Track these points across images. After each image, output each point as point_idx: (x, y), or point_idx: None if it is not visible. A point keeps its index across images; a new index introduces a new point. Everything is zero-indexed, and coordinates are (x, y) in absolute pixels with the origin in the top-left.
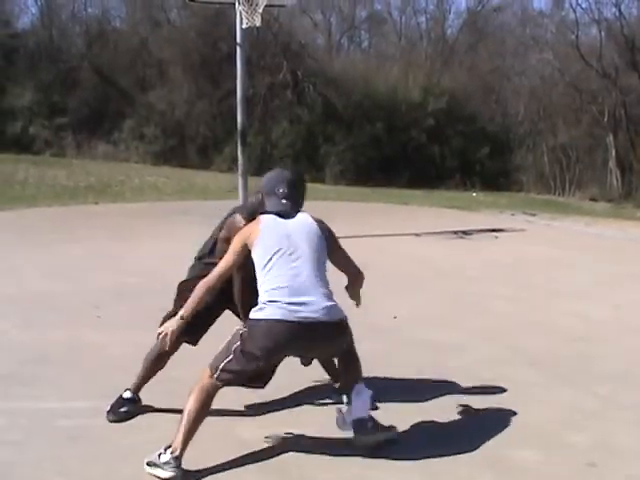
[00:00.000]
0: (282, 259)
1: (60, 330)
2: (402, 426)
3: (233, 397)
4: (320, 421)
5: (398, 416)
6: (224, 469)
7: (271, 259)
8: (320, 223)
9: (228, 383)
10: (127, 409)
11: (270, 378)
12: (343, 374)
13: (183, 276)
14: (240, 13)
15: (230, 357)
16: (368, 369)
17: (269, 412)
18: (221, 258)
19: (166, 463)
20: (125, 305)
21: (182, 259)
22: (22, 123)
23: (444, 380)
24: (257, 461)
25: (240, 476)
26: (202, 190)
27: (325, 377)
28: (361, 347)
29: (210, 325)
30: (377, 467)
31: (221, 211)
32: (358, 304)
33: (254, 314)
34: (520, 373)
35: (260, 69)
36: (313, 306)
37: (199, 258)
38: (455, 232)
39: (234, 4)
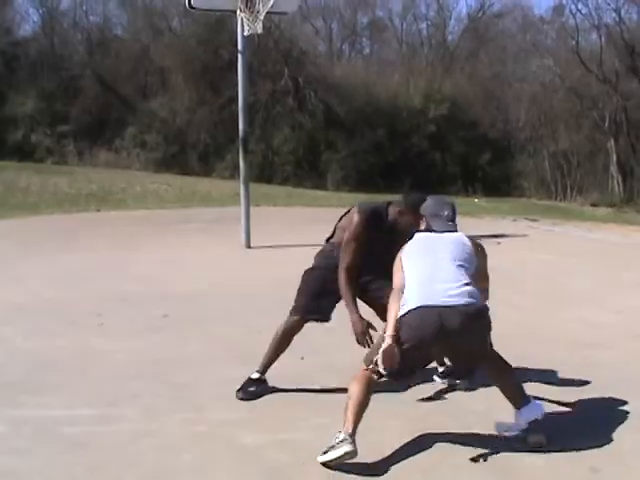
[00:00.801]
0: (422, 260)
1: (64, 338)
2: (401, 432)
3: (234, 401)
4: (322, 426)
5: (398, 422)
6: (225, 474)
7: (413, 263)
8: (474, 241)
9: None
10: (255, 389)
11: (414, 377)
12: (500, 385)
13: (184, 283)
14: (241, 20)
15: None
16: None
17: (270, 417)
18: (339, 243)
19: (342, 441)
20: (128, 312)
21: (184, 266)
22: (24, 131)
23: (444, 387)
24: (258, 467)
25: None
26: (204, 197)
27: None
28: (361, 355)
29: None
30: (379, 473)
31: (223, 218)
32: None
33: (402, 308)
34: (524, 380)
35: (261, 76)
36: (452, 292)
37: (327, 240)
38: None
39: (235, 11)
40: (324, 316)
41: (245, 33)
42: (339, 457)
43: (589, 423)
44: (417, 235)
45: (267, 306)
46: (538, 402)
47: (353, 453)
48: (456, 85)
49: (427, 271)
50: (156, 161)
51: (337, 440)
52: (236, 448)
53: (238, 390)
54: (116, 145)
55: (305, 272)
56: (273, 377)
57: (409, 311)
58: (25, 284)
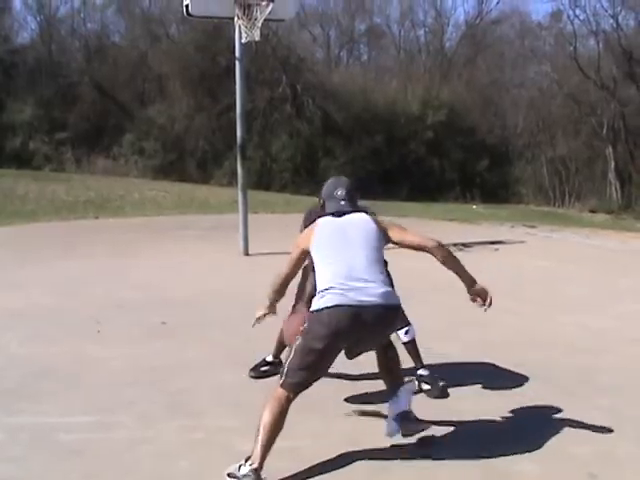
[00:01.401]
0: (336, 250)
1: (61, 345)
2: (398, 436)
3: (231, 408)
4: (318, 433)
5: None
6: None
7: (326, 252)
8: (374, 216)
9: (296, 387)
10: (267, 369)
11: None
12: (387, 369)
13: (182, 290)
14: (239, 27)
15: (291, 356)
16: (366, 380)
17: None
18: None
19: (245, 476)
20: (125, 319)
21: (182, 273)
22: (22, 138)
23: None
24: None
25: None
26: (202, 204)
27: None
28: (359, 359)
29: None
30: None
31: (221, 225)
32: (486, 301)
33: (313, 306)
34: (523, 385)
35: (259, 83)
36: (370, 290)
37: None
38: (455, 245)
39: (233, 19)
40: None
41: (243, 40)
42: None
43: (586, 428)
44: (319, 222)
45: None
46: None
47: None
48: (454, 91)
49: (340, 261)
50: (154, 168)
51: (241, 472)
52: (233, 455)
53: (252, 369)
54: (114, 152)
55: None
56: (271, 385)
57: (325, 307)
58: (23, 291)
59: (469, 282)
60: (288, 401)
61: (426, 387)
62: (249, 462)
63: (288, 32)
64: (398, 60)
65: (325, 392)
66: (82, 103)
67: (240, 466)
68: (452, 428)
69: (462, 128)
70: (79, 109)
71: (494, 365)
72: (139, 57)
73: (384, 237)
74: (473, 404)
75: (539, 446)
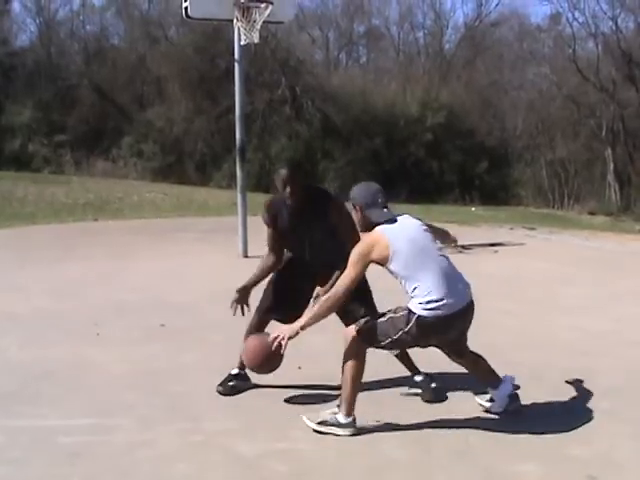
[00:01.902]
0: (423, 261)
1: (60, 347)
2: (398, 439)
3: (230, 411)
4: (320, 436)
5: (395, 428)
6: None
7: (416, 265)
8: (414, 216)
9: (374, 345)
10: (234, 384)
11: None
12: (477, 365)
13: (181, 293)
14: (238, 30)
15: (388, 341)
16: (365, 378)
17: (267, 427)
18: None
19: (347, 425)
20: (124, 322)
21: (181, 275)
22: (21, 141)
23: (446, 395)
24: (255, 477)
25: None
26: (201, 206)
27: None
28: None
29: (301, 306)
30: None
31: (220, 227)
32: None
33: (424, 312)
34: (522, 387)
35: (258, 85)
36: (464, 290)
37: None
38: (454, 247)
39: (232, 21)
40: (281, 315)
41: (242, 42)
42: (339, 435)
43: (585, 431)
44: (386, 232)
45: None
46: (508, 376)
47: (356, 434)
48: (453, 93)
49: (432, 271)
50: (153, 170)
51: (340, 420)
52: (233, 458)
53: (219, 385)
54: (113, 154)
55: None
56: (270, 386)
57: (437, 317)
58: (22, 293)
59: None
60: (365, 352)
61: (419, 390)
62: (343, 412)
63: (287, 34)
64: (397, 62)
65: (325, 394)
66: (81, 105)
67: (332, 414)
68: (451, 429)
69: (461, 130)
70: (78, 111)
71: (492, 365)
72: (138, 59)
73: (432, 235)
74: (472, 406)
75: (538, 448)
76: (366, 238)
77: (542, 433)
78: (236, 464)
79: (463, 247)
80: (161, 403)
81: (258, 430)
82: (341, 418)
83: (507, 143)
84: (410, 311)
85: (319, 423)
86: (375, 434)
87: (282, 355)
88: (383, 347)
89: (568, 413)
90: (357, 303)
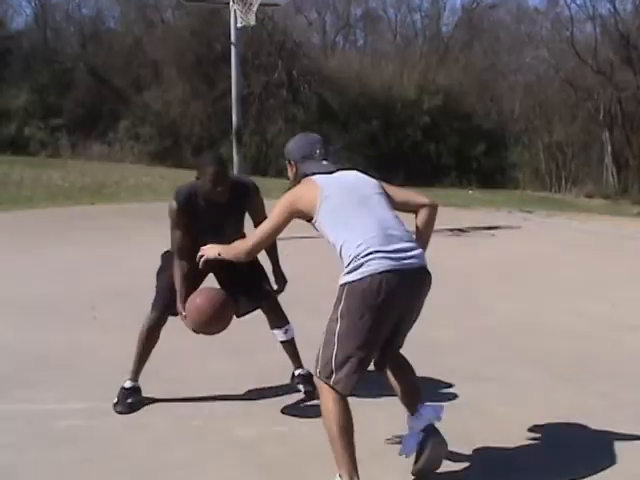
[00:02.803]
0: (358, 208)
1: (57, 332)
2: (398, 425)
3: (228, 395)
4: (317, 419)
5: (395, 414)
6: (220, 468)
7: (347, 212)
8: (366, 173)
9: (351, 379)
10: (132, 400)
11: (387, 362)
12: (401, 380)
13: None
14: (234, 12)
15: (335, 348)
16: None
17: (265, 411)
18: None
19: None
20: (121, 306)
21: None
22: (17, 124)
23: (442, 379)
24: (253, 460)
25: (236, 476)
26: None
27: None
28: None
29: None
30: (374, 467)
31: None
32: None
33: (351, 275)
34: (519, 372)
35: (255, 68)
36: (411, 252)
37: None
38: (451, 230)
39: (228, 3)
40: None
41: (238, 25)
42: None
43: (584, 415)
44: (318, 180)
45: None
46: (437, 404)
47: None
48: (450, 76)
49: (370, 223)
50: (150, 154)
51: None
52: (230, 442)
53: (115, 404)
54: (109, 138)
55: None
56: (267, 371)
57: (371, 275)
58: (18, 278)
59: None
60: (345, 396)
61: (303, 388)
62: (344, 478)
63: (284, 17)
64: (394, 45)
65: None
66: (77, 89)
67: None
68: (446, 415)
69: (459, 113)
70: (74, 95)
71: (491, 351)
72: (134, 42)
73: (385, 193)
74: (469, 390)
75: (536, 432)
76: (295, 187)
77: (541, 418)
78: (234, 448)
79: (460, 230)
80: (157, 387)
81: (255, 414)
82: None
83: (504, 126)
84: (340, 287)
85: None
86: (370, 418)
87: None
88: (341, 375)
89: (566, 397)
90: None
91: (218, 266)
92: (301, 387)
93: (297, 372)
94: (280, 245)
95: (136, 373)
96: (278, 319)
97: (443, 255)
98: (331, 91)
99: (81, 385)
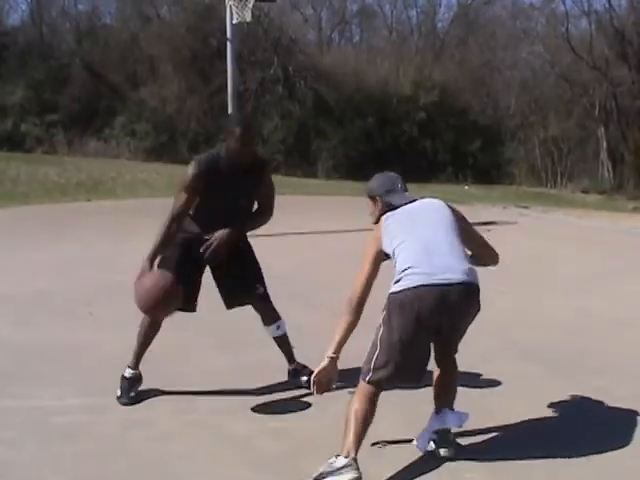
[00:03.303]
0: (409, 232)
1: (54, 328)
2: (396, 420)
3: (224, 390)
4: (313, 415)
5: (393, 409)
6: (216, 463)
7: (401, 235)
8: (445, 202)
9: (385, 382)
10: (135, 390)
11: (424, 372)
12: (441, 380)
13: None
14: (230, 8)
15: (377, 351)
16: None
17: (260, 406)
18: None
19: (346, 466)
20: (117, 302)
21: None
22: (13, 121)
23: None
24: (249, 455)
25: (232, 471)
26: None
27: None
28: (358, 342)
29: (198, 290)
30: (372, 463)
31: None
32: None
33: (394, 287)
34: (516, 366)
35: (251, 64)
36: (454, 268)
37: None
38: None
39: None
40: (187, 305)
41: (234, 21)
42: None
43: (581, 410)
44: (385, 218)
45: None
46: (464, 412)
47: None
48: (446, 72)
49: (417, 243)
50: (146, 150)
51: (337, 465)
52: (226, 437)
53: (119, 396)
54: (105, 134)
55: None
56: (264, 366)
57: (407, 288)
58: (14, 274)
59: None
60: (377, 395)
61: (302, 379)
62: (344, 453)
63: (280, 13)
64: (390, 41)
65: None
66: (73, 85)
67: (331, 463)
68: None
69: (454, 109)
70: (70, 91)
71: (487, 345)
72: (130, 38)
73: (459, 224)
74: (465, 383)
75: (533, 427)
76: (375, 231)
77: (537, 412)
78: (230, 443)
79: None
80: (155, 382)
81: (252, 410)
82: (337, 462)
83: (500, 122)
84: (388, 295)
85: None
86: (380, 412)
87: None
88: (378, 376)
89: (562, 391)
90: None
91: (216, 260)
92: (303, 379)
93: (291, 367)
94: (278, 240)
95: (136, 363)
96: (270, 316)
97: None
98: (327, 87)
99: (78, 381)
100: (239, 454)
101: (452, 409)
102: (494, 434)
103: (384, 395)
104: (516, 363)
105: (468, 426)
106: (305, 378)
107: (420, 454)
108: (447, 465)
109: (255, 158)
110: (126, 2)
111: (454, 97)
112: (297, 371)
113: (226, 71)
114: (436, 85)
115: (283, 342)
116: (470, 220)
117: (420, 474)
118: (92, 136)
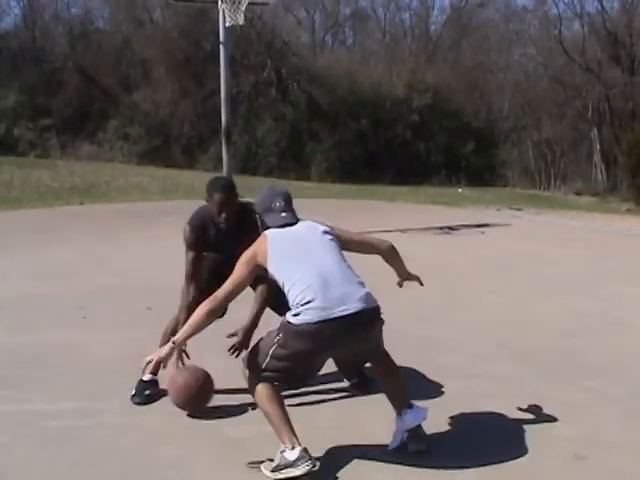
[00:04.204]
0: (301, 261)
1: (46, 332)
2: (389, 422)
3: (219, 395)
4: (306, 418)
5: (386, 412)
6: (210, 467)
7: (293, 263)
8: (320, 222)
9: (277, 381)
10: (150, 392)
11: (305, 381)
12: (388, 385)
13: (167, 276)
14: (223, 11)
15: (267, 360)
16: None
17: (256, 410)
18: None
19: (299, 459)
20: (111, 305)
21: (167, 259)
22: (6, 125)
23: (431, 375)
24: (243, 459)
25: (228, 475)
26: (187, 190)
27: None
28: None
29: None
30: (365, 464)
31: None
32: (420, 282)
33: (291, 318)
34: (509, 368)
35: (244, 67)
36: (350, 297)
37: None
38: (441, 228)
39: (217, 3)
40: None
41: (227, 24)
42: (298, 476)
43: (572, 411)
44: (269, 234)
45: (249, 297)
46: (422, 407)
47: (317, 469)
48: (439, 75)
49: (310, 273)
50: (139, 154)
51: (290, 458)
52: (220, 441)
53: (133, 395)
54: (99, 138)
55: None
56: None
57: (307, 324)
58: (7, 278)
59: (405, 273)
60: (273, 386)
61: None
62: (288, 446)
63: (273, 16)
64: (383, 44)
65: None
66: (66, 89)
67: (280, 454)
68: (434, 411)
69: (448, 111)
70: (63, 95)
71: (479, 347)
72: (123, 42)
73: (337, 240)
74: (457, 386)
75: (525, 427)
76: (252, 245)
77: (528, 413)
78: (224, 447)
79: (450, 228)
80: None
81: (246, 413)
82: (288, 455)
83: (493, 124)
84: (283, 319)
85: (273, 470)
86: (362, 415)
87: (208, 391)
88: (269, 375)
89: (554, 393)
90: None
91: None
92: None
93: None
94: None
95: (157, 369)
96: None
97: (433, 253)
98: (320, 90)
99: (72, 385)
100: (234, 458)
101: (411, 406)
102: (487, 435)
103: (365, 396)
104: (507, 365)
105: (461, 427)
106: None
107: (408, 460)
108: (439, 464)
109: (242, 213)
110: (119, 6)
111: (447, 99)
112: None
113: (219, 74)
114: (429, 87)
115: None
116: (463, 222)
117: (410, 472)
118: (85, 140)
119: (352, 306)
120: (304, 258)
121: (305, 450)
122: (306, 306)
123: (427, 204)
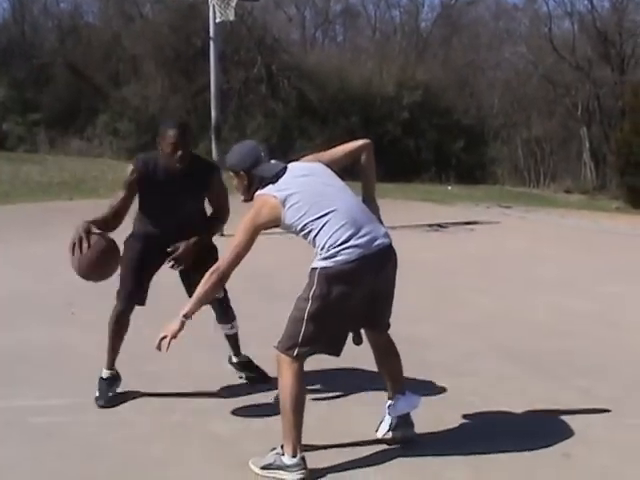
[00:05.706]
0: (322, 201)
1: (34, 328)
2: (373, 419)
3: (206, 391)
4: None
5: (376, 410)
6: (198, 464)
7: (312, 208)
8: (307, 160)
9: (311, 353)
10: (113, 392)
11: (343, 345)
12: (386, 365)
13: (157, 272)
14: (213, 7)
15: (303, 326)
16: (348, 363)
17: (243, 407)
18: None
19: (295, 465)
20: (99, 302)
21: None
22: None
23: (421, 373)
24: (232, 456)
25: (215, 472)
26: None
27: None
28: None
29: (149, 282)
30: (354, 460)
31: None
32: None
33: (326, 262)
34: (498, 367)
35: (234, 63)
36: (377, 232)
37: None
38: (431, 225)
39: None
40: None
41: (217, 20)
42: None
43: (562, 410)
44: (275, 190)
45: (239, 294)
46: (415, 395)
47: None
48: (429, 72)
49: (347, 216)
50: (129, 149)
51: (286, 462)
52: (209, 438)
53: (97, 398)
54: (88, 133)
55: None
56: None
57: (351, 260)
58: None
59: (372, 192)
60: (302, 368)
61: (245, 375)
62: (290, 452)
63: (263, 12)
64: (373, 41)
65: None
66: (55, 84)
67: (276, 455)
68: (423, 409)
69: (438, 109)
70: (52, 90)
71: (469, 346)
72: (113, 37)
73: (331, 169)
74: (446, 384)
75: (514, 426)
76: (254, 203)
77: (518, 411)
78: (212, 444)
79: (440, 225)
80: (136, 383)
81: (235, 410)
82: (286, 459)
83: (483, 122)
84: (312, 270)
85: (263, 467)
86: (354, 412)
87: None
88: (306, 350)
89: (544, 391)
90: None
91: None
92: (242, 375)
93: (235, 359)
94: (263, 239)
95: (111, 362)
96: (226, 315)
97: (422, 250)
98: (310, 86)
99: (60, 381)
100: (222, 455)
101: (404, 393)
102: (476, 433)
103: (357, 395)
104: (498, 363)
105: (451, 425)
106: (249, 374)
107: (400, 451)
108: (429, 463)
109: (197, 162)
110: (109, 1)
111: (437, 97)
112: (242, 364)
113: (209, 70)
114: (419, 85)
115: (233, 339)
116: (453, 220)
117: (402, 471)
118: (74, 135)
119: (384, 240)
120: (325, 197)
121: (303, 459)
122: (343, 246)
123: (417, 201)
